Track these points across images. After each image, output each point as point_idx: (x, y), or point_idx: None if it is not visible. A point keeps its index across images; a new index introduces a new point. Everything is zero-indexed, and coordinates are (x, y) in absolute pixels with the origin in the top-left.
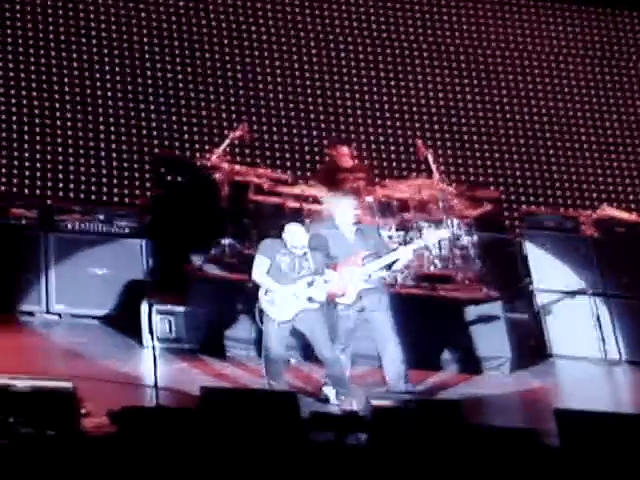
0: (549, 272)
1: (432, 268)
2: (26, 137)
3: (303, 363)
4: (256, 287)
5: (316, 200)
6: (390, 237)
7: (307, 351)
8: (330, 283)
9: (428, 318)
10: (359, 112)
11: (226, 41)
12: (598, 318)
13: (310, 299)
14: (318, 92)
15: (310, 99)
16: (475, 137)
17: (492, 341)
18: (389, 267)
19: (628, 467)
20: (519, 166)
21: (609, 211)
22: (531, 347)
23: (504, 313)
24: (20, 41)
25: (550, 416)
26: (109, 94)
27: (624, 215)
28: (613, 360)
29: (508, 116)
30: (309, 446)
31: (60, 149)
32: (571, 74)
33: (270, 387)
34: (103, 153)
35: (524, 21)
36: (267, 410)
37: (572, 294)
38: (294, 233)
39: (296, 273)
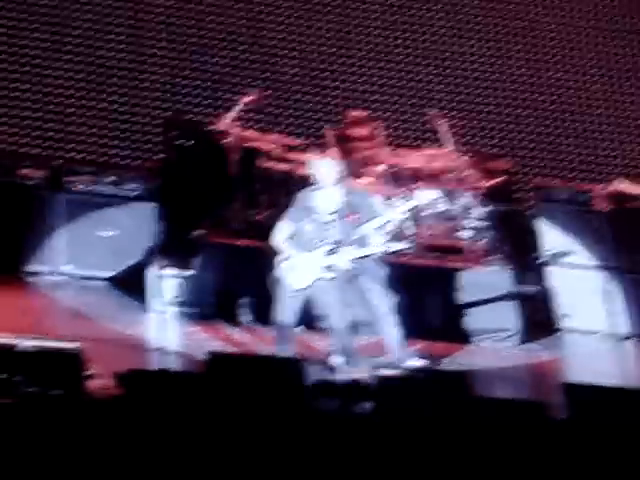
0: (560, 245)
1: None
2: (35, 97)
3: (312, 331)
4: (273, 253)
5: None
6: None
7: (317, 319)
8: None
9: (437, 289)
10: (374, 79)
11: (240, 5)
12: (609, 292)
13: (327, 268)
14: (332, 58)
15: (323, 65)
16: (489, 108)
17: (501, 313)
18: (380, 229)
19: (634, 441)
20: (533, 138)
21: (623, 185)
22: (541, 320)
23: (514, 285)
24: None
25: (558, 389)
26: (120, 55)
27: (638, 190)
28: (622, 334)
29: (523, 87)
30: (314, 414)
31: (70, 110)
32: (588, 47)
33: (278, 354)
34: (114, 115)
35: None
36: (272, 377)
37: (583, 268)
38: (325, 196)
39: (319, 240)
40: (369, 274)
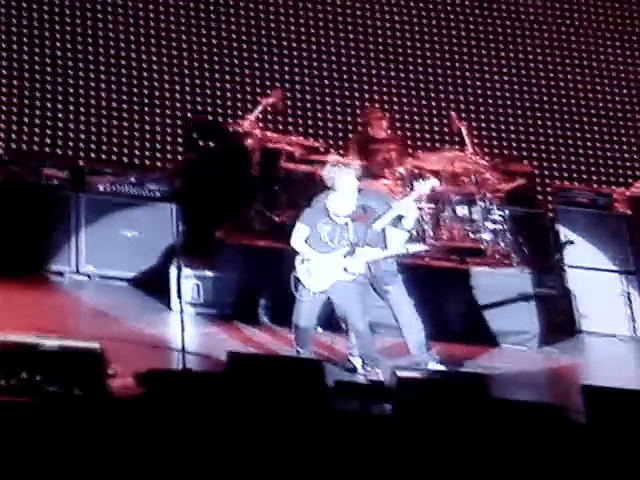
0: (580, 248)
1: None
2: (59, 97)
3: (330, 333)
4: (292, 255)
5: None
6: (420, 209)
7: (335, 321)
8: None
9: (457, 291)
10: (393, 82)
11: (261, 6)
12: (628, 296)
13: (346, 270)
14: (352, 60)
15: (344, 67)
16: (509, 110)
17: (521, 316)
18: (395, 224)
19: None
20: (553, 141)
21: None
22: (560, 323)
23: (533, 288)
24: (57, 1)
25: (577, 393)
26: (143, 57)
27: None
28: None
29: (543, 90)
30: (333, 414)
31: (93, 110)
32: (607, 49)
33: (297, 354)
34: (136, 116)
35: None
36: (293, 377)
37: (602, 271)
38: (340, 199)
39: (336, 243)
40: (389, 276)
